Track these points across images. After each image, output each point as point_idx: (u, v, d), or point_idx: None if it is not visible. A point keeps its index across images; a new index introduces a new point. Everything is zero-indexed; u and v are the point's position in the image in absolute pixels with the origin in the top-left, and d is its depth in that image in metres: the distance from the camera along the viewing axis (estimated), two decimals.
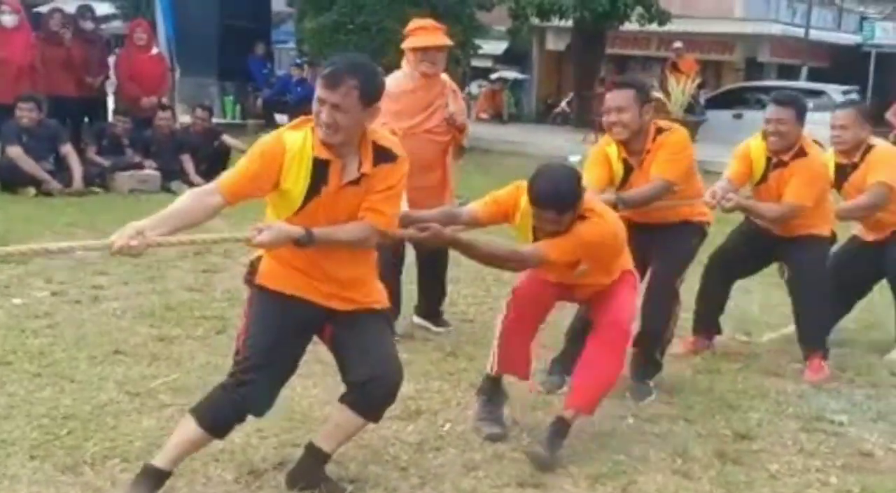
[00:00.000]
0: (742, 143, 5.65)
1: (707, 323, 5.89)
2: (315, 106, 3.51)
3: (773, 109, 5.45)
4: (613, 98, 4.98)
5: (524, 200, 4.21)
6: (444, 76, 5.88)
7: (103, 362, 5.05)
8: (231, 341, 5.24)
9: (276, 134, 3.62)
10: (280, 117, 18.36)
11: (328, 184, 3.57)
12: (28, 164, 10.01)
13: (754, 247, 5.73)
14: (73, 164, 10.37)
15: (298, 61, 19.33)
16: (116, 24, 30.48)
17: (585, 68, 24.65)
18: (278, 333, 3.66)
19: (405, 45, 5.79)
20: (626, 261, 4.51)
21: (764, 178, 5.48)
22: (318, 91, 3.51)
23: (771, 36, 28.75)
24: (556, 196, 4.08)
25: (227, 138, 12.04)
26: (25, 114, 10.10)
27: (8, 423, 4.17)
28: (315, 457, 3.79)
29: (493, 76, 30.29)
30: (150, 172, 11.00)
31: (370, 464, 4.03)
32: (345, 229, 3.61)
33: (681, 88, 16.70)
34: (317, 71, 18.00)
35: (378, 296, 3.82)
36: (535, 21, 23.74)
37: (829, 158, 5.81)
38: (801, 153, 5.40)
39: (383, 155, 3.64)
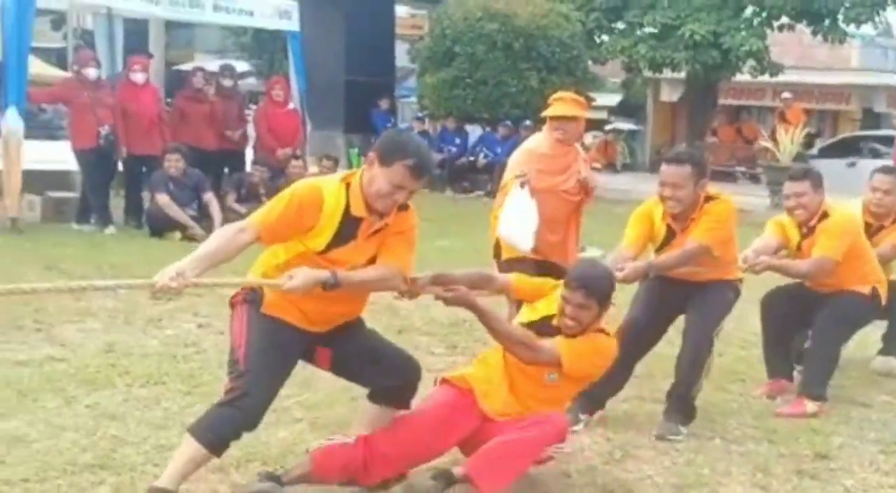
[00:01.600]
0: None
1: (780, 368, 5.92)
2: (387, 187, 3.73)
3: (790, 185, 5.58)
4: (670, 174, 4.95)
5: (557, 294, 4.27)
6: (578, 147, 6.41)
7: None
8: None
9: (315, 186, 3.83)
10: None
11: (357, 238, 3.83)
12: (174, 210, 10.72)
13: (800, 302, 5.80)
14: (214, 211, 11.00)
15: (419, 115, 20.00)
16: (251, 81, 31.84)
17: (698, 119, 24.82)
18: (276, 353, 3.86)
19: (545, 112, 6.30)
20: (565, 405, 4.52)
21: (798, 247, 5.63)
22: (403, 179, 3.72)
23: (887, 86, 28.47)
24: (590, 280, 4.16)
25: None
26: (173, 164, 10.84)
27: (165, 431, 4.71)
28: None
29: (608, 127, 30.66)
30: None
31: None
32: (367, 271, 3.83)
33: (789, 138, 16.81)
34: (436, 124, 18.86)
35: (362, 310, 4.16)
36: (648, 73, 24.08)
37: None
38: (825, 216, 5.55)
39: (400, 207, 3.89)
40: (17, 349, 6.04)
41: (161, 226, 10.80)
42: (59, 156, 12.33)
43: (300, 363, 5.96)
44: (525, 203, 6.15)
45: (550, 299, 4.34)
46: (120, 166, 11.40)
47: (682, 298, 5.13)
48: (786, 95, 20.67)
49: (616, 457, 4.68)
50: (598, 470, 4.50)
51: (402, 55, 24.74)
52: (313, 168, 12.48)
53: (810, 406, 5.49)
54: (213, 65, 18.07)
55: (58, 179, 12.22)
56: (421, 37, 24.76)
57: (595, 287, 4.15)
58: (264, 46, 31.42)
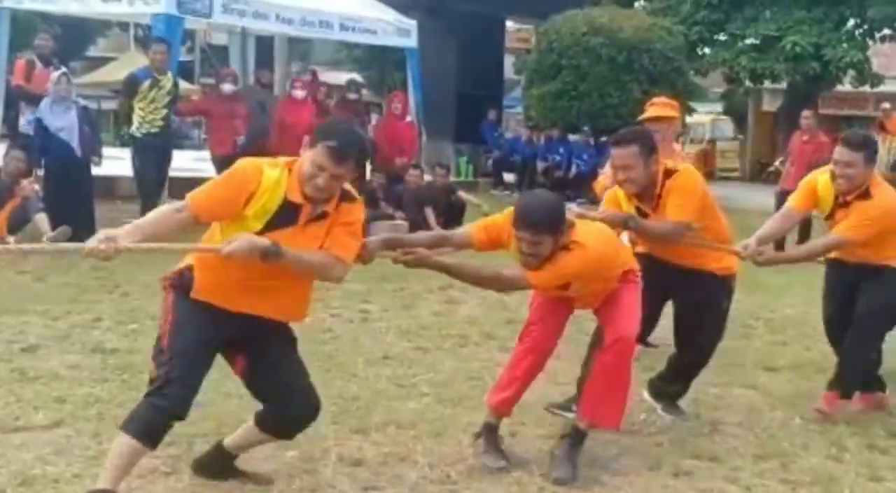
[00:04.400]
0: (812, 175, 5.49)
1: (868, 379, 5.64)
2: (311, 168, 3.65)
3: (843, 150, 5.19)
4: (618, 156, 4.84)
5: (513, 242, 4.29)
6: (677, 146, 6.89)
7: (376, 364, 6.21)
8: (472, 355, 6.51)
9: (257, 165, 3.75)
10: (507, 176, 19.68)
11: (296, 223, 3.73)
12: None
13: (845, 284, 5.52)
14: None
15: (529, 125, 20.53)
16: (364, 92, 32.70)
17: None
18: (199, 338, 3.75)
19: (640, 117, 6.87)
20: (625, 261, 4.59)
21: (832, 214, 5.33)
22: (323, 160, 3.63)
23: None
24: (531, 215, 4.14)
25: (462, 194, 13.26)
26: None
27: None
28: (222, 454, 4.18)
29: (708, 137, 30.74)
30: (401, 222, 12.11)
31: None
32: (310, 254, 3.74)
33: (885, 148, 16.87)
34: (541, 134, 19.37)
35: (301, 314, 4.04)
36: (749, 84, 24.21)
37: None
38: (866, 194, 5.20)
39: (345, 195, 3.82)
40: None
41: None
42: (188, 164, 13.13)
43: (420, 350, 6.69)
44: None
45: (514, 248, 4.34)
46: None
47: (673, 282, 5.11)
48: (885, 105, 20.58)
49: (704, 431, 5.19)
50: (688, 441, 5.00)
51: (507, 68, 25.30)
52: (427, 177, 13.15)
53: (844, 404, 5.47)
54: (327, 77, 19.00)
55: (196, 185, 13.04)
56: (527, 50, 25.28)
57: (541, 222, 4.14)
58: (376, 59, 32.25)
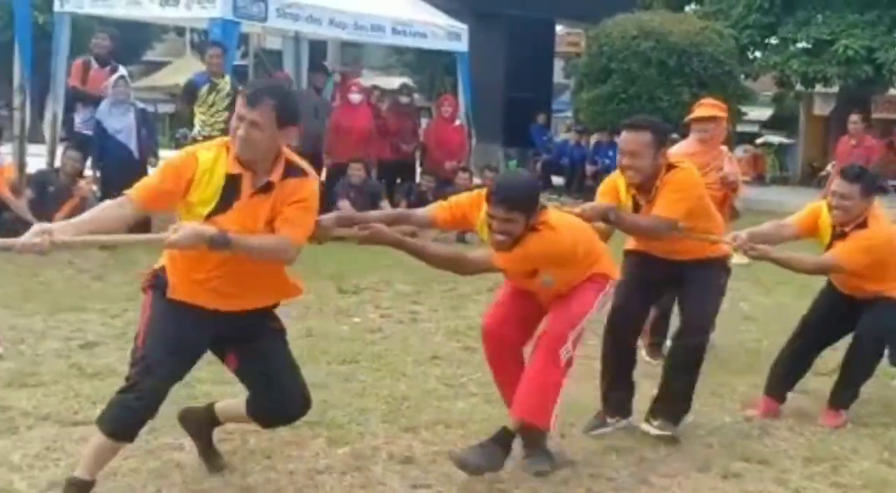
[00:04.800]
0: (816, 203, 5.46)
1: (780, 389, 5.55)
2: (233, 122, 3.60)
3: (840, 183, 5.16)
4: (628, 141, 4.65)
5: (486, 207, 4.15)
6: (724, 147, 6.91)
7: (425, 364, 6.24)
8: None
9: (190, 151, 3.72)
10: (556, 179, 19.64)
11: (240, 197, 3.63)
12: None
13: (836, 312, 5.48)
14: None
15: (579, 128, 20.46)
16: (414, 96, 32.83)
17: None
18: (176, 338, 3.69)
19: (687, 118, 6.93)
20: (599, 262, 4.42)
21: (830, 245, 5.24)
22: (239, 108, 3.59)
23: None
24: (507, 191, 4.04)
25: None
26: (355, 173, 11.68)
27: (363, 400, 5.38)
28: (211, 416, 4.21)
29: (758, 141, 30.48)
30: None
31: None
32: (259, 238, 3.62)
33: None
34: (589, 137, 19.31)
35: (286, 293, 3.96)
36: (800, 88, 23.95)
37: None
38: (863, 225, 5.14)
39: (293, 170, 3.69)
40: None
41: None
42: None
43: (469, 350, 6.68)
44: None
45: (482, 223, 4.22)
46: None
47: (667, 276, 5.02)
48: None
49: (754, 434, 5.15)
50: (737, 444, 4.97)
51: (557, 71, 25.28)
52: (475, 180, 13.18)
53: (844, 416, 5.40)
54: (378, 81, 19.12)
55: None
56: (577, 54, 25.26)
57: (516, 198, 4.03)
58: (426, 64, 32.39)
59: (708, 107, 6.82)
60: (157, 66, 32.57)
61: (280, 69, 14.56)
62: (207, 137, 10.64)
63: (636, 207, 4.78)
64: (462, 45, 14.72)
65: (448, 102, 14.14)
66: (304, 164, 3.76)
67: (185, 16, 12.61)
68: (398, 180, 13.50)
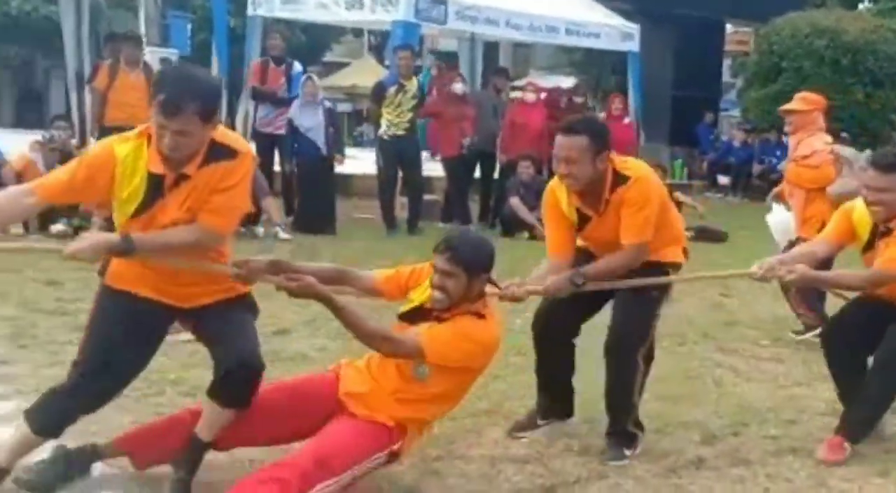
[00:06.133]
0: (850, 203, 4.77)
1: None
2: (155, 129, 3.27)
3: (873, 174, 4.47)
4: (562, 146, 4.09)
5: (425, 283, 3.72)
6: (818, 143, 6.91)
7: (596, 360, 6.11)
8: (690, 354, 6.42)
9: (107, 145, 3.40)
10: (722, 178, 19.20)
11: (164, 196, 3.35)
12: (523, 212, 11.49)
13: (873, 316, 4.63)
14: None
15: (746, 127, 19.94)
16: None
17: None
18: (118, 335, 3.44)
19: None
20: (433, 406, 3.78)
21: (871, 245, 4.58)
22: (158, 118, 3.23)
23: None
24: (458, 243, 3.62)
25: (678, 195, 13.03)
26: (524, 170, 11.70)
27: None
28: (198, 446, 3.62)
29: None
30: None
31: None
32: (170, 233, 3.34)
33: None
34: (756, 137, 18.77)
35: (234, 284, 3.58)
36: None
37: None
38: None
39: (219, 152, 3.36)
40: None
41: (512, 226, 11.62)
42: None
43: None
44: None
45: (426, 286, 3.74)
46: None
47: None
48: None
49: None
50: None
51: (724, 70, 24.69)
52: None
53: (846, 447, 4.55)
54: (545, 81, 19.12)
55: (430, 183, 13.34)
56: (745, 52, 24.59)
57: (462, 252, 3.58)
58: (592, 64, 32.11)
59: (797, 100, 7.01)
60: (336, 67, 33.37)
61: (454, 66, 14.71)
62: (394, 137, 10.91)
63: (583, 220, 4.26)
64: (634, 45, 14.61)
65: (618, 99, 14.01)
66: (234, 140, 3.47)
67: (368, 18, 12.93)
68: None
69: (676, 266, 4.46)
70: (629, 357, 4.38)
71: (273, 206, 10.78)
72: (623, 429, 4.46)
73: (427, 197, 12.37)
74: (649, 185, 4.18)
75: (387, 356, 3.61)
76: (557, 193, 4.27)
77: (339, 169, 11.42)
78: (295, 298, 3.56)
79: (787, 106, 6.97)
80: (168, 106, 3.20)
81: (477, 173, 12.47)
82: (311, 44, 27.57)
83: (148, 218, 3.37)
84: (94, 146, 3.50)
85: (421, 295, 3.75)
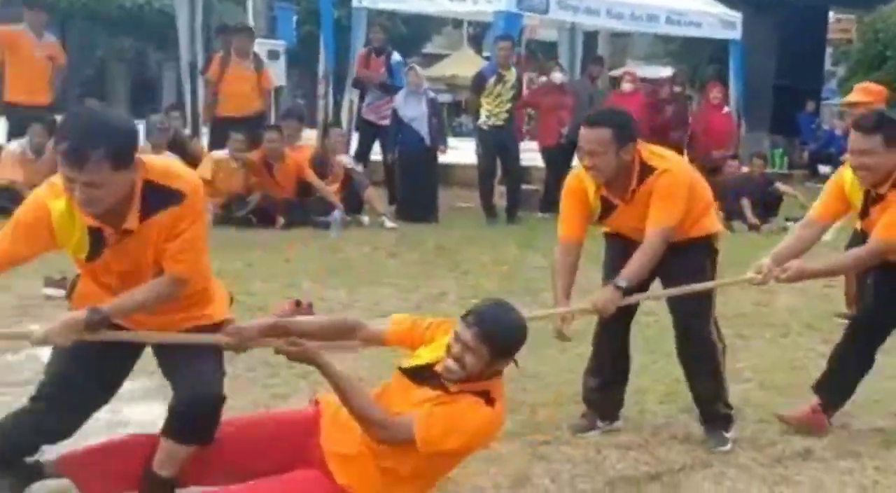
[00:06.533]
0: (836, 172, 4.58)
1: (835, 393, 4.69)
2: (64, 183, 2.90)
3: (855, 136, 4.22)
4: (586, 138, 4.02)
5: (445, 340, 3.24)
6: None
7: None
8: (794, 345, 6.31)
9: (39, 200, 3.04)
10: (823, 168, 18.73)
11: (108, 246, 3.05)
12: None
13: None
14: None
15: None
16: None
17: None
18: (79, 360, 3.15)
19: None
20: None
21: (866, 212, 4.38)
22: (63, 170, 2.85)
23: None
24: (493, 320, 3.13)
25: (779, 185, 12.78)
26: None
27: (641, 378, 5.23)
28: (156, 483, 3.23)
29: None
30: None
31: None
32: (140, 293, 3.06)
33: None
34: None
35: (209, 311, 3.29)
36: None
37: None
38: None
39: (160, 198, 3.01)
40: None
41: None
42: None
43: (747, 334, 6.47)
44: None
45: (439, 344, 3.30)
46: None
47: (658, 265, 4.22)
48: None
49: None
50: None
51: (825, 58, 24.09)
52: (743, 168, 12.78)
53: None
54: (640, 71, 18.92)
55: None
56: (848, 40, 23.92)
57: (493, 332, 3.11)
58: (690, 53, 31.61)
59: (856, 92, 6.90)
60: (435, 58, 33.49)
61: (554, 59, 14.63)
62: (493, 127, 10.91)
63: (608, 207, 4.21)
64: (736, 34, 14.35)
65: (717, 88, 13.73)
66: (176, 177, 3.06)
67: (470, 9, 12.97)
68: None
69: (716, 236, 4.37)
70: (701, 336, 4.37)
71: (375, 196, 10.93)
72: (716, 412, 4.44)
73: (526, 187, 12.33)
74: (675, 176, 4.12)
75: (378, 442, 3.15)
76: (585, 181, 4.21)
77: (439, 158, 11.47)
78: (292, 361, 3.23)
79: (848, 98, 6.74)
80: (71, 156, 2.80)
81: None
82: (412, 35, 27.73)
83: (102, 264, 3.12)
84: (26, 201, 3.10)
85: (431, 353, 3.31)
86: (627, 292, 4.06)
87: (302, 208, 10.21)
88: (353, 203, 10.60)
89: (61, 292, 6.22)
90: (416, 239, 9.45)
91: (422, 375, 3.26)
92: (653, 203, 4.08)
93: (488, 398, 3.17)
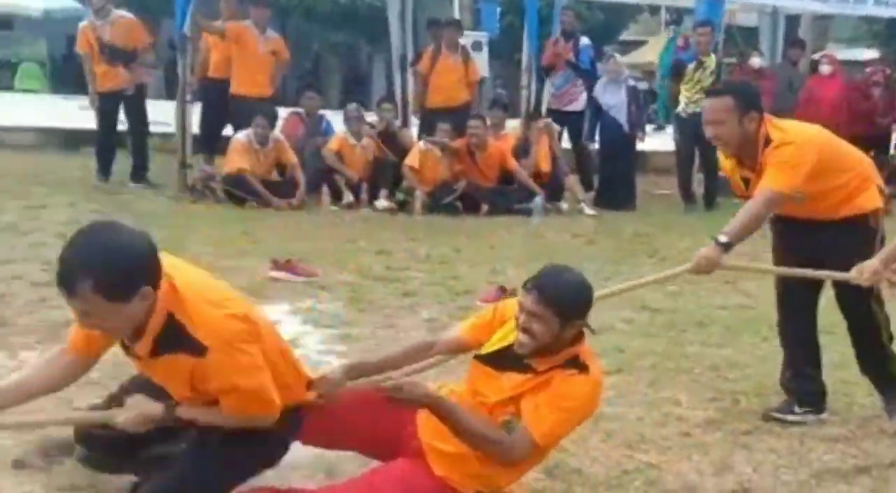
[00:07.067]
0: None
1: None
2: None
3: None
4: (708, 110, 4.08)
5: (512, 322, 3.13)
6: None
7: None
8: None
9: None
10: None
11: (133, 357, 2.83)
12: None
13: None
14: None
15: None
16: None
17: None
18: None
19: None
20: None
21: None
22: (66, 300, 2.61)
23: None
24: (547, 281, 3.04)
25: None
26: None
27: (847, 370, 4.79)
28: None
29: None
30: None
31: None
32: (214, 414, 2.82)
33: None
34: None
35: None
36: None
37: None
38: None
39: (178, 341, 2.65)
40: (705, 296, 6.80)
41: None
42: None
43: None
44: None
45: (510, 327, 3.17)
46: None
47: (811, 244, 4.20)
48: None
49: None
50: None
51: None
52: None
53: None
54: (842, 54, 17.97)
55: None
56: None
57: (553, 293, 2.99)
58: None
59: None
60: (632, 45, 32.93)
61: (752, 45, 14.14)
62: (692, 115, 10.71)
63: (745, 183, 4.18)
64: None
65: (827, 58, 12.86)
66: (199, 327, 2.65)
67: None
68: (871, 153, 12.61)
69: (874, 214, 4.19)
70: (860, 305, 4.23)
71: (575, 183, 10.93)
72: (891, 386, 4.36)
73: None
74: (791, 149, 3.97)
75: (500, 462, 3.06)
76: (726, 162, 4.28)
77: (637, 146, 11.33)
78: (398, 403, 3.05)
79: None
80: (59, 283, 2.55)
81: None
82: (609, 22, 27.37)
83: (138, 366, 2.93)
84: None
85: (505, 337, 3.18)
86: (727, 247, 4.01)
87: (504, 195, 10.32)
88: (554, 190, 10.64)
89: (287, 275, 6.63)
90: (614, 226, 9.41)
91: (502, 360, 3.15)
92: (765, 171, 4.02)
93: (579, 365, 3.07)
